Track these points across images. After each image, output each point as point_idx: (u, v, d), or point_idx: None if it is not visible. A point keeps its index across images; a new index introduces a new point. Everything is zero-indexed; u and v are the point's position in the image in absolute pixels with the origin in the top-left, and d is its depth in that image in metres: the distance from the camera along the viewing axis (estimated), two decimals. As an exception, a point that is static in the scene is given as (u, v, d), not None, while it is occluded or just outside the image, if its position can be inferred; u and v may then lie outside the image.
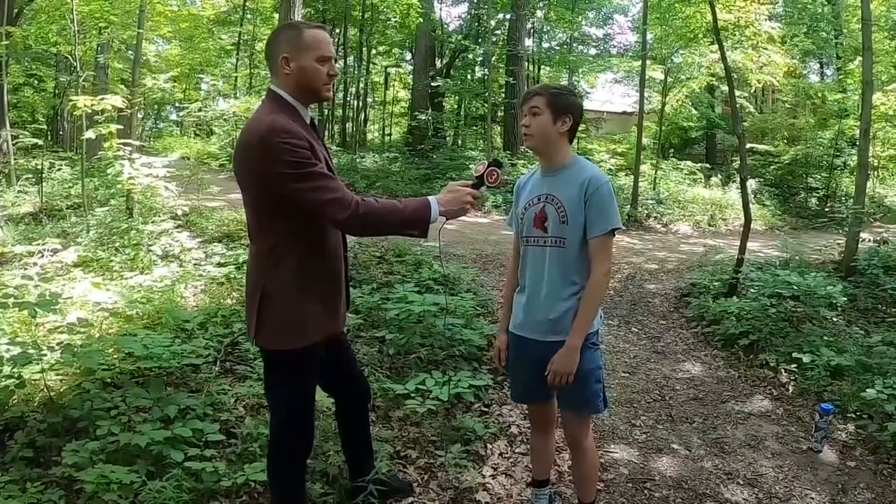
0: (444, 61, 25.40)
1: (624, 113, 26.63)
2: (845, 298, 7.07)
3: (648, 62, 17.30)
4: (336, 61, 2.81)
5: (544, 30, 26.12)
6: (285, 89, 2.72)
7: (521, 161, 18.52)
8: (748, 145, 16.00)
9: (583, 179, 2.97)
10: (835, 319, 6.79)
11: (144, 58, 14.68)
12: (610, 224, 2.97)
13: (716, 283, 8.28)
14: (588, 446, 3.26)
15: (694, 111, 21.26)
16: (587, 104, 27.93)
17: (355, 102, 26.24)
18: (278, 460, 2.98)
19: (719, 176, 19.52)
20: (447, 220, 2.77)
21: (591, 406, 3.16)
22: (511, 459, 4.20)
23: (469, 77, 25.87)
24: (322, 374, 3.08)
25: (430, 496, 3.70)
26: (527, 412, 4.50)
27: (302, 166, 2.56)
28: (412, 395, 4.63)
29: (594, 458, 3.38)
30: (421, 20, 21.03)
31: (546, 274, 3.05)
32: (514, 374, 3.37)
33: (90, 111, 8.23)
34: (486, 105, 20.78)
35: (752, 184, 16.29)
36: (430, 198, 2.72)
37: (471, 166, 18.82)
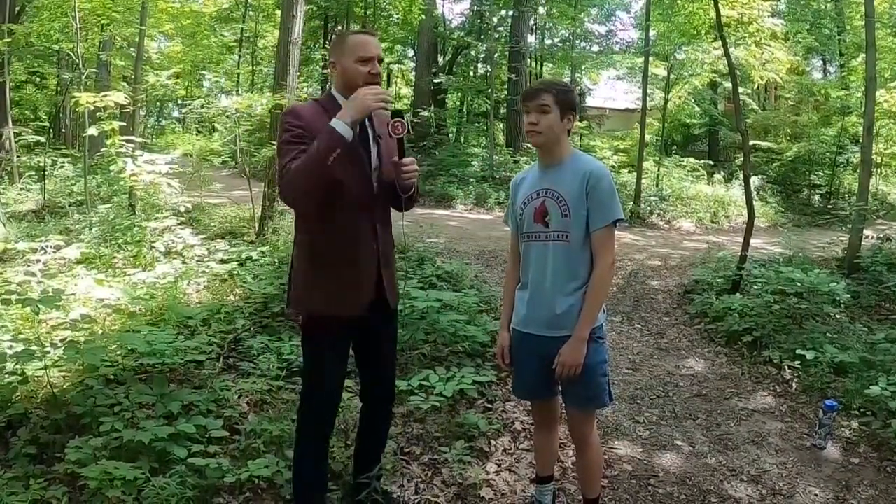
0: (447, 58, 25.38)
1: (627, 110, 26.61)
2: (848, 295, 7.06)
3: (651, 59, 17.28)
4: (381, 62, 3.03)
5: (546, 26, 26.06)
6: (337, 89, 3.05)
7: (524, 158, 18.51)
8: (751, 142, 15.97)
9: (583, 172, 2.99)
10: (838, 316, 6.79)
11: (146, 55, 14.70)
12: (612, 216, 2.98)
13: (719, 280, 8.27)
14: (593, 442, 3.26)
15: (697, 108, 21.24)
16: (590, 101, 27.98)
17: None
18: (299, 433, 3.18)
19: (722, 173, 19.49)
20: (355, 119, 2.80)
21: (597, 401, 3.17)
22: (515, 456, 4.20)
23: (471, 74, 25.85)
24: (356, 357, 3.27)
25: (434, 492, 3.70)
26: (530, 408, 4.50)
27: (284, 141, 2.85)
28: (416, 391, 4.63)
29: (599, 454, 3.37)
30: (423, 17, 21.00)
31: (549, 269, 3.04)
32: (518, 371, 3.35)
33: (92, 108, 8.23)
34: (488, 102, 20.77)
35: (755, 181, 16.28)
36: (336, 124, 2.78)
37: (473, 162, 18.84)
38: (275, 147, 3.05)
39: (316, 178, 2.75)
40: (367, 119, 2.99)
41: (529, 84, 20.10)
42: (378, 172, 3.06)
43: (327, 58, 3.18)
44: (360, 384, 3.41)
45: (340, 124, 2.76)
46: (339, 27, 22.48)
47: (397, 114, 2.97)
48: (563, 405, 3.31)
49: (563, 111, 3.01)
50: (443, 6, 26.04)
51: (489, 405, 4.81)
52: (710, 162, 20.52)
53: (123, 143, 7.98)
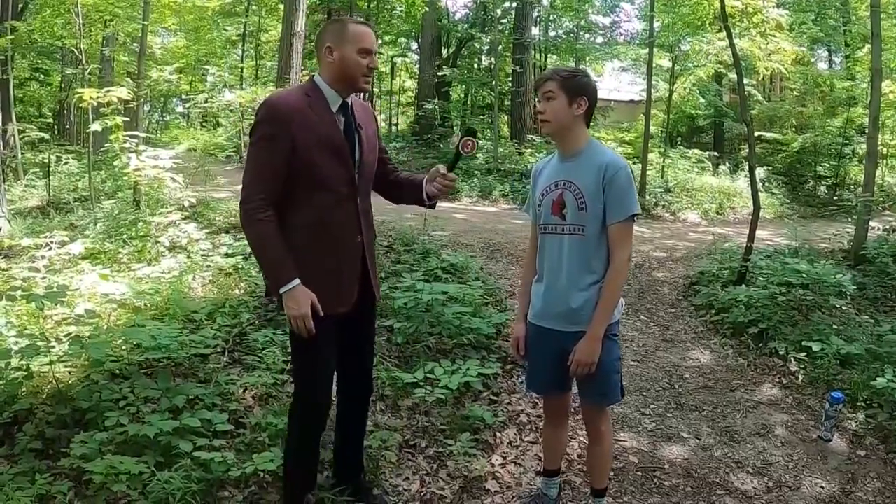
0: (451, 50, 25.33)
1: (631, 101, 26.55)
2: (854, 287, 7.03)
3: (656, 50, 17.21)
4: (377, 55, 2.95)
5: (550, 18, 26.01)
6: (325, 77, 2.92)
7: (529, 150, 18.48)
8: (756, 133, 15.91)
9: (600, 164, 2.93)
10: (844, 308, 6.76)
11: (150, 50, 14.69)
12: (630, 210, 2.93)
13: (724, 272, 8.24)
14: (605, 434, 3.27)
15: (701, 99, 21.16)
16: (594, 93, 27.80)
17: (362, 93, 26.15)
18: (292, 433, 3.16)
19: (727, 164, 19.42)
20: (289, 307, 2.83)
21: (610, 397, 3.17)
22: (520, 448, 4.20)
23: (475, 66, 25.79)
24: (338, 356, 3.15)
25: (440, 485, 3.70)
26: (536, 400, 4.50)
27: (256, 140, 2.85)
28: (421, 383, 4.62)
29: (611, 447, 3.36)
30: (426, 9, 20.95)
31: (565, 262, 3.01)
32: (532, 365, 3.32)
33: (96, 104, 8.24)
34: (492, 94, 20.71)
35: (760, 172, 16.21)
36: (294, 281, 2.80)
37: (477, 155, 18.80)
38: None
39: (254, 254, 2.98)
40: (349, 109, 2.98)
41: (533, 76, 20.14)
42: (360, 163, 3.00)
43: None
44: (339, 379, 3.33)
45: (289, 288, 2.78)
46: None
47: (472, 132, 3.03)
48: (579, 401, 3.30)
49: (571, 96, 2.92)
50: (446, -2, 25.99)
51: (494, 397, 4.81)
52: (716, 153, 20.43)
53: (127, 138, 7.98)
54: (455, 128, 23.81)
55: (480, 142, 20.98)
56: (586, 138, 3.05)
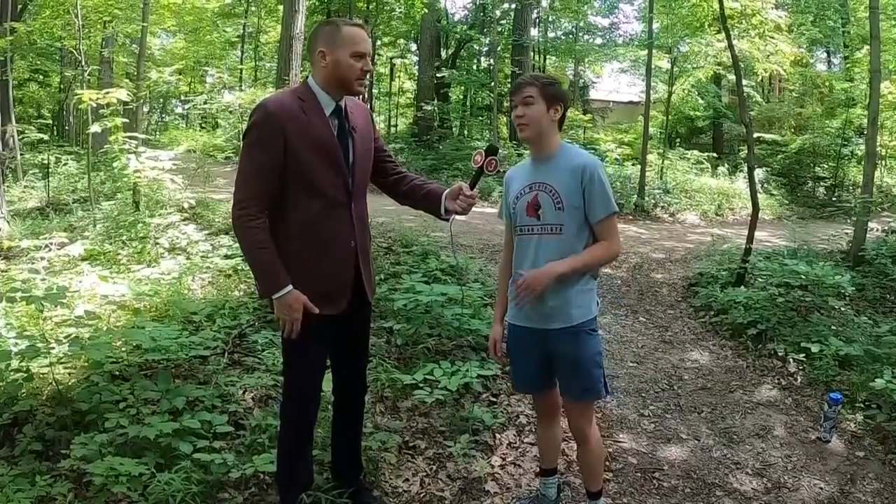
0: (450, 52, 25.32)
1: (630, 102, 26.57)
2: (853, 288, 7.03)
3: (655, 51, 17.22)
4: (372, 58, 2.95)
5: (550, 19, 25.99)
6: (318, 80, 2.92)
7: (527, 151, 18.41)
8: (755, 134, 15.91)
9: (575, 165, 3.02)
10: (843, 309, 6.77)
11: (149, 51, 14.66)
12: (612, 208, 3.03)
13: (723, 273, 8.25)
14: (592, 436, 3.25)
15: (700, 101, 21.17)
16: (593, 94, 27.89)
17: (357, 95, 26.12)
18: (283, 430, 3.16)
19: (726, 165, 19.43)
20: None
21: (593, 392, 3.17)
22: (520, 449, 4.21)
23: (474, 67, 25.79)
24: (332, 356, 3.19)
25: (439, 486, 3.70)
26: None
27: (249, 142, 2.85)
28: (420, 385, 4.62)
29: (599, 448, 3.36)
30: (426, 11, 20.94)
31: (541, 262, 3.04)
32: (515, 365, 3.36)
33: (95, 105, 8.24)
34: (491, 95, 20.72)
35: (759, 173, 16.22)
36: (286, 287, 2.83)
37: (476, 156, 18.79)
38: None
39: (250, 263, 2.99)
40: (343, 113, 2.98)
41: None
42: (353, 167, 3.01)
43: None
44: (333, 377, 3.35)
45: (280, 295, 2.82)
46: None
47: (494, 151, 3.07)
48: (561, 399, 3.30)
49: (549, 103, 3.02)
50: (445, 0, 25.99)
51: (494, 399, 4.81)
52: (715, 154, 20.46)
53: (127, 139, 7.99)
54: (454, 129, 23.84)
55: (480, 143, 21.06)
56: (559, 142, 3.15)
